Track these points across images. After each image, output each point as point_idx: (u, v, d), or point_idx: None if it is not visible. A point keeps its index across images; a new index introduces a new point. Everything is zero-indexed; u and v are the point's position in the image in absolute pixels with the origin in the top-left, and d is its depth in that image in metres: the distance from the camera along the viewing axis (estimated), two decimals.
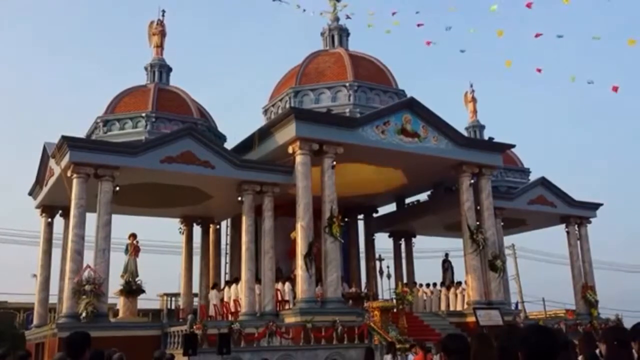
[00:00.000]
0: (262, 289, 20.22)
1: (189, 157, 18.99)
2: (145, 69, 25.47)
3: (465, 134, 25.19)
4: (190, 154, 19.02)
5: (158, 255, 33.53)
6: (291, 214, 20.44)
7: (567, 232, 27.51)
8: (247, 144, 22.35)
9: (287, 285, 21.60)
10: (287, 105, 24.04)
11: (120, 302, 20.06)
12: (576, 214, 27.36)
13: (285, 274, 22.91)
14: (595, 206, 27.86)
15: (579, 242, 27.36)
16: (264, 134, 21.64)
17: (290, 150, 20.35)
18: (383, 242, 30.55)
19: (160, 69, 25.31)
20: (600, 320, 23.69)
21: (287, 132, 20.37)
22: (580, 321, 23.43)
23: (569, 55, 79.58)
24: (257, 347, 16.67)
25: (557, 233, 28.18)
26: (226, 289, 22.70)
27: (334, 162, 20.39)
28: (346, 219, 24.64)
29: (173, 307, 27.14)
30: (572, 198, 27.01)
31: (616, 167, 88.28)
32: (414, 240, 30.14)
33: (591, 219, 27.83)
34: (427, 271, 30.57)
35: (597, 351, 4.94)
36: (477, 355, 3.87)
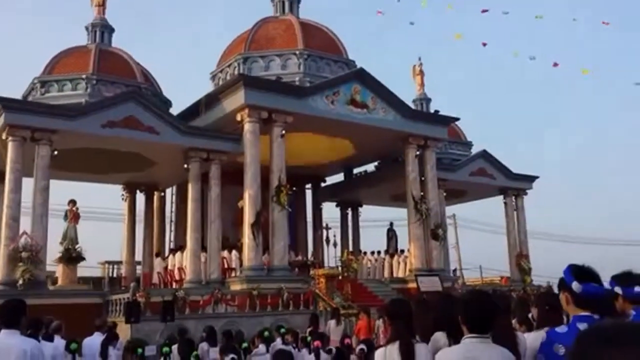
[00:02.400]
0: (208, 257, 20.15)
1: (133, 122, 18.46)
2: (86, 28, 24.41)
3: (413, 106, 25.52)
4: (134, 119, 18.49)
5: (99, 222, 32.68)
6: (239, 182, 20.30)
7: (505, 203, 28.50)
8: (193, 111, 21.90)
9: (234, 253, 21.60)
10: (236, 72, 23.65)
11: (59, 270, 19.59)
12: (514, 186, 28.34)
13: (231, 242, 22.87)
14: (531, 179, 28.94)
15: (515, 212, 28.42)
16: (211, 100, 21.25)
17: (238, 118, 20.09)
18: (330, 211, 30.93)
19: (102, 29, 24.33)
20: (532, 287, 24.82)
21: (236, 100, 20.08)
22: (514, 287, 24.47)
23: (514, 31, 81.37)
24: (201, 315, 16.64)
25: (495, 204, 29.22)
26: (170, 257, 22.50)
27: (283, 131, 20.29)
28: (294, 188, 24.69)
29: (115, 275, 26.67)
30: (510, 171, 27.95)
31: (552, 142, 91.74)
32: (360, 209, 30.62)
33: (528, 191, 28.94)
34: (372, 240, 31.15)
35: (530, 315, 5.22)
36: (417, 318, 4.02)
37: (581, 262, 2.97)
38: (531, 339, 3.51)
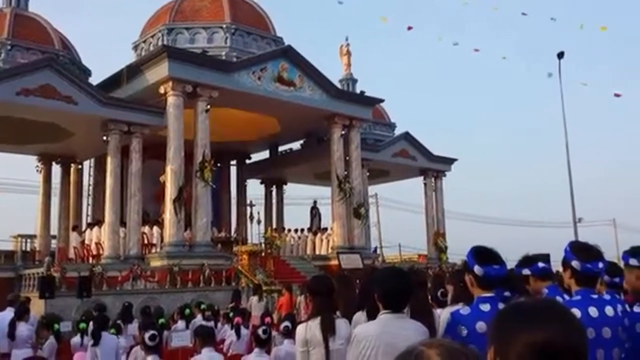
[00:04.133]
0: (127, 232, 19.67)
1: (49, 91, 17.51)
2: None
3: (339, 86, 25.72)
4: (51, 87, 17.54)
5: (12, 194, 31.00)
6: (161, 156, 19.83)
7: (425, 184, 29.46)
8: (114, 81, 21.02)
9: (155, 229, 21.20)
10: (160, 43, 22.86)
11: None
12: (434, 168, 29.30)
13: (152, 217, 22.41)
14: (450, 161, 30.05)
15: (434, 193, 29.47)
16: (133, 71, 20.48)
17: (161, 90, 19.53)
18: (255, 188, 30.85)
19: None
20: (448, 265, 25.96)
21: (159, 72, 19.47)
22: (430, 265, 25.49)
23: (440, 16, 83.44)
24: (120, 291, 16.33)
25: (416, 184, 30.18)
26: (88, 231, 21.79)
27: (208, 106, 19.94)
28: (218, 164, 24.44)
29: (29, 249, 25.45)
30: (431, 152, 28.87)
31: (472, 125, 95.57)
32: (285, 187, 30.72)
33: (446, 173, 30.05)
34: (296, 217, 31.42)
35: (440, 292, 5.50)
36: (339, 294, 4.14)
37: (489, 243, 3.13)
38: (445, 315, 3.70)
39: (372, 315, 3.37)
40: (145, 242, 20.84)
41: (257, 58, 21.61)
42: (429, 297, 4.83)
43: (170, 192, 19.08)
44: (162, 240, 20.19)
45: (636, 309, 3.31)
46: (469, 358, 1.01)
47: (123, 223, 19.96)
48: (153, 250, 20.50)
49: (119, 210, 19.77)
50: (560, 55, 19.46)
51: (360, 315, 3.98)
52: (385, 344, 2.96)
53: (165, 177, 19.44)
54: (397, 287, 3.12)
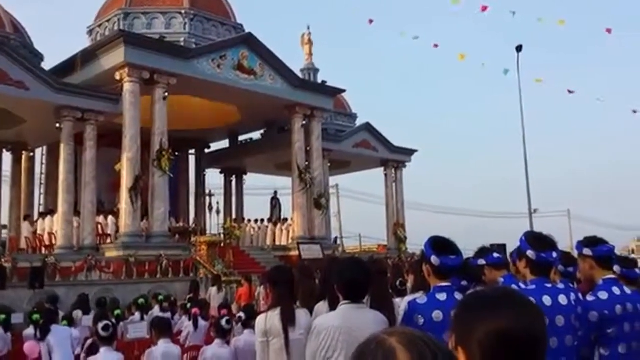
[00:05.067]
0: (81, 222, 19.23)
1: (0, 75, 16.85)
2: None
3: (300, 75, 25.60)
4: (2, 72, 16.82)
5: None
6: (116, 144, 19.38)
7: (385, 175, 29.73)
8: (68, 67, 20.34)
9: (110, 218, 20.76)
10: (116, 28, 22.24)
11: None
12: (394, 159, 29.59)
13: (107, 207, 21.94)
14: (411, 152, 30.39)
15: (394, 184, 29.77)
16: (88, 56, 19.90)
17: (117, 76, 19.06)
18: (214, 178, 30.51)
19: None
20: (407, 255, 26.30)
21: (115, 57, 18.98)
22: (390, 255, 25.78)
23: (402, 10, 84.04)
24: (73, 282, 15.98)
25: (376, 175, 30.41)
26: (40, 221, 21.17)
27: (166, 93, 19.56)
28: (177, 153, 24.04)
29: None
30: (392, 144, 29.12)
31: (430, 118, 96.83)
32: (245, 177, 30.49)
33: (407, 164, 30.38)
34: (256, 208, 31.29)
35: (399, 281, 5.56)
36: (299, 285, 4.13)
37: (447, 234, 3.16)
38: (403, 304, 3.73)
39: (333, 306, 3.38)
40: (100, 232, 20.44)
41: (217, 45, 21.30)
42: (389, 287, 4.87)
43: (126, 181, 18.70)
44: (117, 231, 19.82)
45: (589, 297, 3.39)
46: (429, 345, 1.01)
47: (77, 212, 19.50)
48: (108, 241, 20.12)
49: (72, 200, 19.29)
50: (519, 48, 19.83)
51: (322, 306, 3.99)
52: (345, 334, 2.98)
53: (121, 166, 19.03)
54: (356, 277, 3.14)
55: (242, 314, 5.95)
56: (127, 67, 18.79)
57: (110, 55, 19.16)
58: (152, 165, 19.26)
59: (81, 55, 20.05)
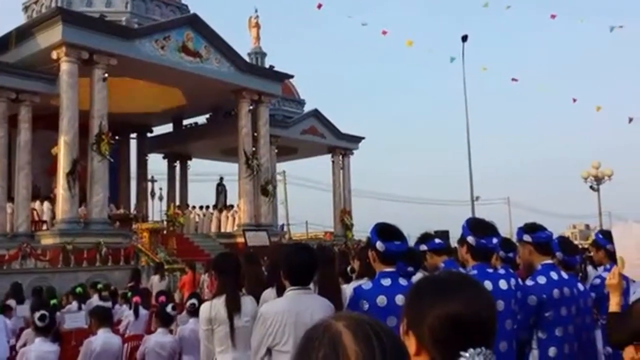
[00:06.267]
0: (15, 208, 18.53)
1: None
2: None
3: (248, 59, 25.24)
4: None
5: None
6: (53, 127, 18.65)
7: (333, 162, 29.86)
8: (2, 44, 19.33)
9: (46, 204, 20.04)
10: (53, 5, 21.23)
11: None
12: (342, 146, 29.73)
13: (43, 192, 21.12)
14: (358, 139, 30.61)
15: (342, 171, 29.94)
16: (23, 34, 18.99)
17: (54, 56, 18.26)
18: (157, 163, 29.80)
19: None
20: (353, 242, 26.56)
21: (52, 35, 18.19)
22: (336, 242, 25.96)
23: None
24: (7, 270, 15.35)
25: (324, 162, 30.50)
26: None
27: (106, 75, 18.89)
28: (117, 137, 23.32)
29: None
30: (339, 130, 29.23)
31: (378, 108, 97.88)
32: (189, 163, 29.94)
33: (354, 151, 30.59)
34: (201, 194, 30.81)
35: (349, 268, 5.58)
36: (245, 272, 4.07)
37: (393, 221, 3.19)
38: (349, 290, 3.73)
39: (281, 292, 3.36)
40: (36, 218, 19.76)
41: (161, 25, 20.72)
42: (337, 274, 4.89)
43: (63, 166, 18.02)
44: (54, 217, 19.16)
45: (528, 282, 3.49)
46: (374, 328, 1.03)
47: (11, 198, 18.82)
48: (44, 227, 19.45)
49: (6, 185, 18.60)
50: (464, 38, 20.21)
51: (269, 292, 3.97)
52: (292, 320, 2.99)
53: (58, 150, 18.33)
54: (302, 262, 3.14)
55: (194, 301, 5.84)
56: (65, 46, 18.04)
57: (47, 34, 18.36)
58: (90, 150, 18.61)
59: (16, 32, 19.12)
